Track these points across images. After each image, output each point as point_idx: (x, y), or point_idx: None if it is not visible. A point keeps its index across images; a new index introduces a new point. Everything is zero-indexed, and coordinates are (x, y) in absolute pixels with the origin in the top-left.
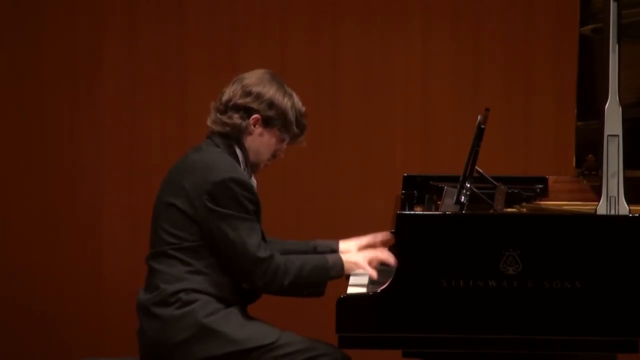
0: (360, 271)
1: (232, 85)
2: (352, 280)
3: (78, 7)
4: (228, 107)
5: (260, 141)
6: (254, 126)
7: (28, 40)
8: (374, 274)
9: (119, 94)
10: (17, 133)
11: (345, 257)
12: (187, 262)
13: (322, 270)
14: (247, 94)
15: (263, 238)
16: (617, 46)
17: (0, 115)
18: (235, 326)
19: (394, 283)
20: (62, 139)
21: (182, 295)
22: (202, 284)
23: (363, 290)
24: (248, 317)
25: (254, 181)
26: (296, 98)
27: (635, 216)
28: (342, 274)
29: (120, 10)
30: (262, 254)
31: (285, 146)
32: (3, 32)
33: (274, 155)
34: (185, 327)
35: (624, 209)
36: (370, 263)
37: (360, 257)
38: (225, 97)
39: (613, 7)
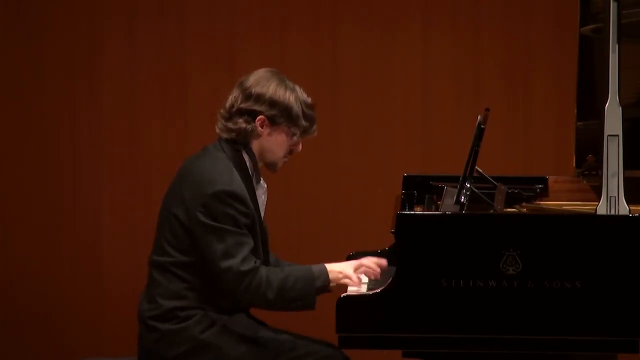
0: (347, 281)
1: (234, 90)
2: None
3: (78, 7)
4: (232, 113)
5: (271, 141)
6: (262, 127)
7: (28, 40)
8: (357, 282)
9: (119, 94)
10: (17, 133)
11: (330, 267)
12: (184, 278)
13: (307, 281)
14: (248, 96)
15: (263, 250)
16: (617, 46)
17: (1, 115)
18: (231, 342)
19: (394, 283)
20: (62, 139)
21: (179, 313)
22: (198, 300)
23: (363, 290)
24: (245, 330)
25: (262, 185)
26: (299, 90)
27: (635, 216)
28: (328, 284)
29: (120, 10)
30: (245, 267)
31: (299, 140)
32: (3, 32)
33: (290, 151)
34: (182, 342)
35: (624, 209)
36: (355, 271)
37: (345, 265)
38: (228, 104)
39: (613, 7)
